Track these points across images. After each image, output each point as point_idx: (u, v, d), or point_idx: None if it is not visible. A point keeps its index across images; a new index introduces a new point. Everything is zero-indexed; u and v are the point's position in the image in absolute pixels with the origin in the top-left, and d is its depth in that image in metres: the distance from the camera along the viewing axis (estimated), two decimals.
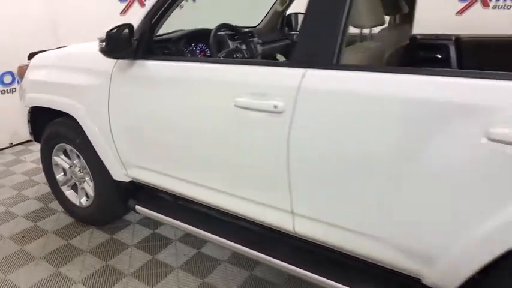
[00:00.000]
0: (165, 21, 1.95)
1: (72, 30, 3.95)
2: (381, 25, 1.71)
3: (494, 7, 4.25)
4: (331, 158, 1.42)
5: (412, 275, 1.43)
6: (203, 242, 2.41)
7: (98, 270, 2.20)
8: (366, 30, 1.86)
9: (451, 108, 1.17)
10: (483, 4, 4.27)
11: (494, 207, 1.14)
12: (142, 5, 4.71)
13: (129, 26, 1.82)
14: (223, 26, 2.39)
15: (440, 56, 2.50)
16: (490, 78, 1.14)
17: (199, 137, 1.76)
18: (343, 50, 1.43)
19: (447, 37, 2.49)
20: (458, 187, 1.19)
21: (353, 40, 1.74)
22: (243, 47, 2.40)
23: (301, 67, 1.45)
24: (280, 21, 3.06)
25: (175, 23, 2.64)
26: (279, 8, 3.00)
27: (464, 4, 4.42)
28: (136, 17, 1.94)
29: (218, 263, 2.24)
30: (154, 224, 2.62)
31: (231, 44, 2.37)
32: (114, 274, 2.17)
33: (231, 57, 2.17)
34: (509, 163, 1.09)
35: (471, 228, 1.19)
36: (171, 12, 1.93)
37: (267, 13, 3.10)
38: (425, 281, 1.39)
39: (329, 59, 1.40)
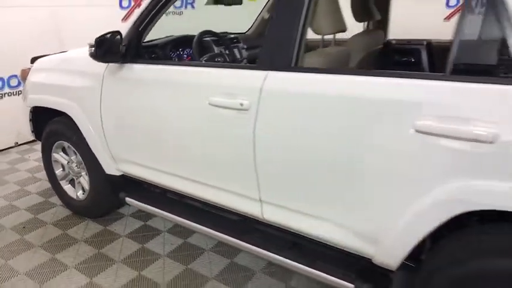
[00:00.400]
0: (151, 28, 2.15)
1: (76, 36, 4.17)
2: (342, 32, 1.89)
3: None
4: (290, 150, 1.59)
5: (364, 256, 1.59)
6: (190, 232, 2.59)
7: (91, 257, 2.39)
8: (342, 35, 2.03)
9: (387, 104, 1.34)
10: None
11: (424, 187, 1.30)
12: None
13: (118, 33, 2.02)
14: (206, 33, 2.58)
15: (413, 60, 2.67)
16: (416, 78, 1.32)
17: (179, 133, 1.95)
18: (302, 55, 1.61)
19: (419, 42, 2.65)
20: (395, 172, 1.36)
21: (316, 46, 1.92)
22: (226, 52, 2.59)
23: (264, 70, 1.63)
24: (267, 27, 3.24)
25: (179, 28, 2.85)
26: (266, 15, 3.19)
27: (452, 10, 4.59)
28: (125, 24, 2.14)
29: (202, 251, 2.42)
30: (146, 216, 2.81)
31: (216, 49, 2.56)
32: (106, 261, 2.36)
33: (213, 61, 2.36)
34: (433, 151, 1.26)
35: (406, 208, 1.35)
36: (157, 21, 2.12)
37: (255, 20, 3.29)
38: (374, 260, 1.55)
39: (288, 62, 1.58)
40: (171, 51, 2.55)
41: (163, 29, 2.84)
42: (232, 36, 2.83)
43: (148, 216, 2.80)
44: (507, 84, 1.17)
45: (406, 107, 1.31)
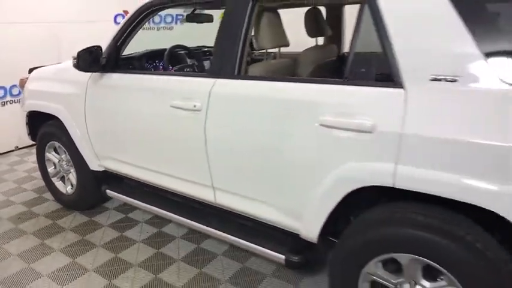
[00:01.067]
0: (128, 43, 2.51)
1: (73, 49, 4.53)
2: (285, 46, 2.24)
3: None
4: (232, 143, 1.93)
5: (294, 231, 1.90)
6: (165, 223, 2.91)
7: (75, 242, 2.72)
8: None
9: (301, 104, 1.68)
10: None
11: (327, 170, 1.62)
12: None
13: (98, 47, 2.38)
14: (177, 47, 2.95)
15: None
16: (322, 83, 1.66)
17: (148, 132, 2.30)
18: (244, 65, 1.95)
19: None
20: (307, 159, 1.69)
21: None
22: (196, 63, 2.95)
23: (213, 77, 1.98)
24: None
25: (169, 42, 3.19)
26: None
27: None
28: (105, 40, 2.50)
29: (173, 238, 2.74)
30: (127, 210, 3.13)
31: (189, 61, 2.92)
32: (88, 245, 2.68)
33: (182, 71, 2.71)
34: (332, 140, 1.59)
35: (316, 188, 1.67)
36: (133, 37, 2.48)
37: None
38: (301, 235, 1.86)
39: (231, 71, 1.93)
40: (147, 62, 2.91)
41: (157, 42, 3.21)
42: (206, 49, 3.19)
43: (130, 209, 3.13)
44: (382, 87, 1.51)
45: (313, 106, 1.64)
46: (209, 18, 3.01)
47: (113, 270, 2.41)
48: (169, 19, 5.43)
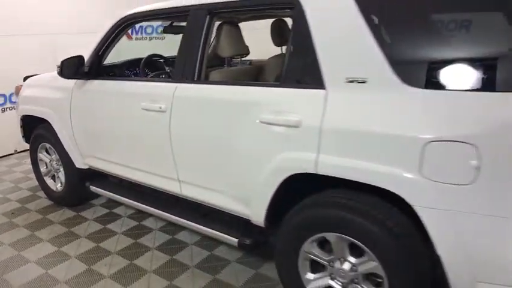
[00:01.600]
0: (108, 53, 2.79)
1: None
2: (245, 55, 2.51)
3: None
4: (193, 140, 2.19)
5: (246, 217, 2.14)
6: (145, 217, 3.16)
7: (62, 234, 2.99)
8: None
9: (246, 104, 1.94)
10: None
11: (267, 160, 1.87)
12: (130, 38, 5.66)
13: (80, 57, 2.67)
14: (153, 56, 3.24)
15: None
16: (263, 86, 1.92)
17: (123, 131, 2.57)
18: (203, 71, 2.22)
19: None
20: (251, 151, 1.94)
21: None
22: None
23: (176, 82, 2.26)
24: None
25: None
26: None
27: None
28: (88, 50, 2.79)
29: (150, 230, 2.99)
30: (112, 206, 3.40)
31: (167, 68, 3.21)
32: (73, 236, 2.95)
33: (157, 77, 2.99)
34: (270, 134, 1.84)
35: (259, 176, 1.92)
36: (112, 48, 2.77)
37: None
38: (251, 220, 2.10)
39: (191, 77, 2.20)
40: (128, 69, 3.19)
41: (150, 50, 3.48)
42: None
43: (115, 205, 3.40)
44: (308, 88, 1.76)
45: (255, 105, 1.90)
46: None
47: (93, 257, 2.66)
48: (161, 29, 5.74)
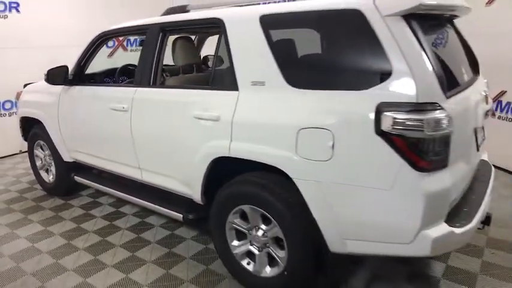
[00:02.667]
0: (89, 64, 3.32)
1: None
2: (197, 64, 2.99)
3: None
4: (147, 134, 2.68)
5: (190, 197, 2.60)
6: (123, 205, 3.65)
7: (50, 217, 3.50)
8: None
9: (182, 103, 2.43)
10: None
11: (198, 148, 2.33)
12: (125, 50, 6.23)
13: (65, 66, 3.21)
14: (128, 65, 3.76)
15: None
16: (196, 89, 2.41)
17: (97, 128, 3.09)
18: (159, 77, 2.71)
19: None
20: (187, 141, 2.40)
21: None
22: None
23: (136, 87, 2.76)
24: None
25: None
26: None
27: None
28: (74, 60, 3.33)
29: (125, 215, 3.48)
30: (97, 196, 3.90)
31: None
32: (59, 219, 3.45)
33: (123, 83, 3.50)
34: (201, 127, 2.31)
35: (193, 161, 2.38)
36: (92, 59, 3.30)
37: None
38: (193, 199, 2.57)
39: (148, 82, 2.70)
40: (106, 77, 3.72)
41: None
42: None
43: (99, 195, 3.90)
44: (227, 90, 2.23)
45: (191, 104, 2.38)
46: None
47: (73, 235, 3.16)
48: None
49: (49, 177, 3.92)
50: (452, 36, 2.40)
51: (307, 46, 2.13)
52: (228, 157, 2.21)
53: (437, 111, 1.64)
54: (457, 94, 1.86)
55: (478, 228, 2.32)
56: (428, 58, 1.69)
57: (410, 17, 1.76)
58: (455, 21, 2.59)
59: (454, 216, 1.91)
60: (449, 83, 1.84)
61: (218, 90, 2.30)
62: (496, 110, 4.40)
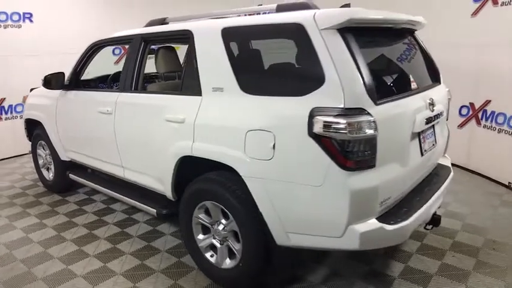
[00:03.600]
0: (84, 70, 3.61)
1: None
2: (177, 71, 3.23)
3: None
4: (127, 135, 2.92)
5: (164, 193, 2.81)
6: (114, 202, 3.91)
7: (46, 211, 3.79)
8: None
9: (156, 107, 2.65)
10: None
11: (168, 148, 2.55)
12: None
13: (61, 72, 3.50)
14: (120, 72, 4.02)
15: None
16: (168, 94, 2.63)
17: (87, 129, 3.35)
18: (140, 83, 2.96)
19: None
20: (160, 142, 2.62)
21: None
22: None
23: (119, 92, 3.01)
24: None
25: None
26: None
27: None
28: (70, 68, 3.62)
29: (114, 211, 3.73)
30: (92, 193, 4.18)
31: None
32: (54, 213, 3.73)
33: (110, 88, 3.76)
34: (170, 129, 2.53)
35: (164, 159, 2.60)
36: (87, 66, 3.58)
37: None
38: (166, 195, 2.77)
39: (129, 87, 2.94)
40: (101, 82, 4.00)
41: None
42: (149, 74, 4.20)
43: (94, 192, 4.17)
44: (193, 95, 2.44)
45: (163, 108, 2.60)
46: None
47: (63, 227, 3.43)
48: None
49: (49, 175, 4.22)
50: (407, 48, 2.56)
51: (260, 56, 2.33)
52: (191, 156, 2.42)
53: (362, 116, 1.80)
54: (392, 101, 2.01)
55: (426, 229, 2.48)
56: (358, 68, 1.86)
57: (347, 31, 1.94)
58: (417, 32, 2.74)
59: (391, 214, 2.06)
60: (384, 90, 2.00)
61: (186, 96, 2.52)
62: (482, 119, 4.47)
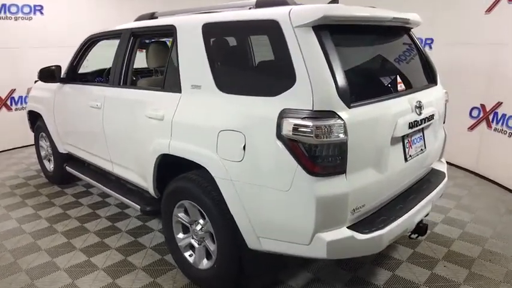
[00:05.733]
0: (81, 64, 3.63)
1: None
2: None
3: None
4: (114, 129, 2.91)
5: (147, 190, 2.79)
6: (109, 196, 3.93)
7: (43, 202, 3.85)
8: None
9: (137, 102, 2.62)
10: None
11: (148, 144, 2.52)
12: (140, 51, 6.57)
13: (58, 66, 3.53)
14: None
15: None
16: (150, 90, 2.60)
17: (79, 123, 3.37)
18: (129, 78, 2.94)
19: None
20: (141, 138, 2.60)
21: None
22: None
23: (108, 86, 3.00)
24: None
25: None
26: None
27: None
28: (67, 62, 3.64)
29: (108, 204, 3.75)
30: (90, 186, 4.22)
31: None
32: (50, 204, 3.79)
33: (100, 82, 3.75)
34: (151, 125, 2.49)
35: (145, 156, 2.57)
36: (84, 59, 3.60)
37: None
38: (149, 192, 2.75)
39: (118, 82, 2.93)
40: (98, 76, 4.01)
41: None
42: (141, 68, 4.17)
43: (92, 185, 4.21)
44: (173, 92, 2.39)
45: (145, 104, 2.57)
46: (144, 46, 3.97)
47: (57, 220, 3.47)
48: None
49: (50, 167, 4.29)
50: (397, 47, 2.43)
51: (237, 54, 2.25)
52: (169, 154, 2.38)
53: (331, 120, 1.71)
54: (369, 104, 1.90)
55: (410, 238, 2.36)
56: (331, 68, 1.76)
57: (325, 28, 1.84)
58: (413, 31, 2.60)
59: (367, 222, 1.96)
60: (360, 92, 1.90)
61: (167, 92, 2.47)
62: (493, 122, 4.24)
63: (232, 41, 2.24)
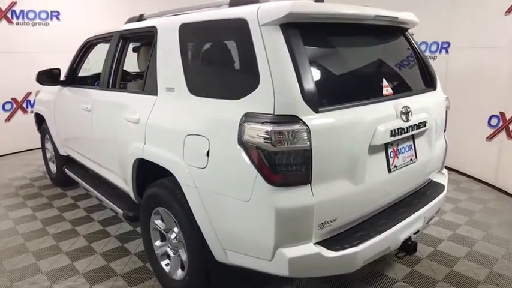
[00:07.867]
0: (81, 67, 3.64)
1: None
2: None
3: None
4: (100, 130, 2.87)
5: (128, 193, 2.72)
6: None
7: (43, 204, 3.88)
8: None
9: (119, 105, 2.57)
10: None
11: (126, 147, 2.45)
12: None
13: (57, 69, 3.56)
14: None
15: None
16: (130, 92, 2.54)
17: (74, 125, 3.37)
18: (117, 82, 2.90)
19: None
20: (122, 141, 2.53)
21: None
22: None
23: (98, 89, 2.98)
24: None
25: None
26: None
27: None
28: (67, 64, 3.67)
29: (104, 208, 3.73)
30: None
31: None
32: (49, 206, 3.82)
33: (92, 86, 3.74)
34: (128, 128, 2.43)
35: (125, 159, 2.51)
36: (84, 62, 3.62)
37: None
38: (131, 196, 2.68)
39: (106, 85, 2.90)
40: (96, 79, 4.02)
41: None
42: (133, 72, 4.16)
43: None
44: (150, 95, 2.32)
45: (125, 106, 2.51)
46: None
47: (51, 222, 3.47)
48: None
49: (53, 169, 4.34)
50: (388, 48, 2.24)
51: (209, 55, 2.15)
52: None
53: (293, 125, 1.56)
54: (341, 108, 1.74)
55: (398, 257, 2.15)
56: (297, 70, 1.62)
57: (296, 27, 1.70)
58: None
59: (341, 238, 1.79)
60: (333, 96, 1.74)
61: (145, 95, 2.40)
62: None
63: (205, 42, 2.14)
